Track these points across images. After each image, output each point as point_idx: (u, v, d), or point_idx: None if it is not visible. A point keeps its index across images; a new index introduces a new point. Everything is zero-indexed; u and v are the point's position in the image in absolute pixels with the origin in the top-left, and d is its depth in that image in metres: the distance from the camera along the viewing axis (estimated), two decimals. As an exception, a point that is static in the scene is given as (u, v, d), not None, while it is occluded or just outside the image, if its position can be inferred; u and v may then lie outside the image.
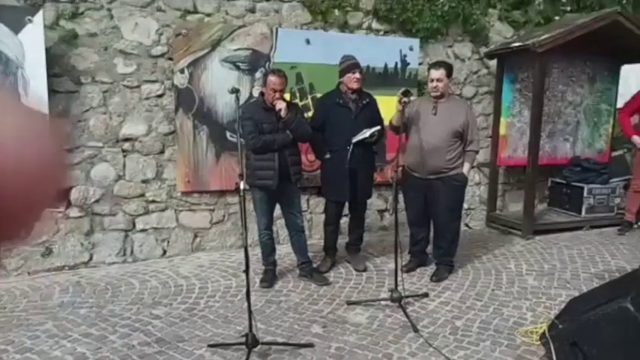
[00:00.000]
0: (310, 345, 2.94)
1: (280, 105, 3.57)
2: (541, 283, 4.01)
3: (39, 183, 0.41)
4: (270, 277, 3.92)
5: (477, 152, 4.09)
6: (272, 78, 3.60)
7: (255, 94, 4.55)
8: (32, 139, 0.40)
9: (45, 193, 0.42)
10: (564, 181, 5.85)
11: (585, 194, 5.64)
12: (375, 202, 5.30)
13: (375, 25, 5.11)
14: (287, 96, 4.32)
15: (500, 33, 5.71)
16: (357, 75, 3.89)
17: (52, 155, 0.42)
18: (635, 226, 5.58)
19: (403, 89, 3.72)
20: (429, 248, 4.33)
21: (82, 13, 4.07)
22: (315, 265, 4.15)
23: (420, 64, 5.23)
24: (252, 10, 4.61)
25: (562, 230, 5.48)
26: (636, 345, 2.40)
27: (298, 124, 3.68)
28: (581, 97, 5.90)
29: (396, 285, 3.43)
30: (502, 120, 5.61)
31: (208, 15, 4.46)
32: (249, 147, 3.68)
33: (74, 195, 4.19)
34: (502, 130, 5.62)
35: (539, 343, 2.92)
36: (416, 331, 3.11)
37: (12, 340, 2.99)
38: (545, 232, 5.40)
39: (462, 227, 5.51)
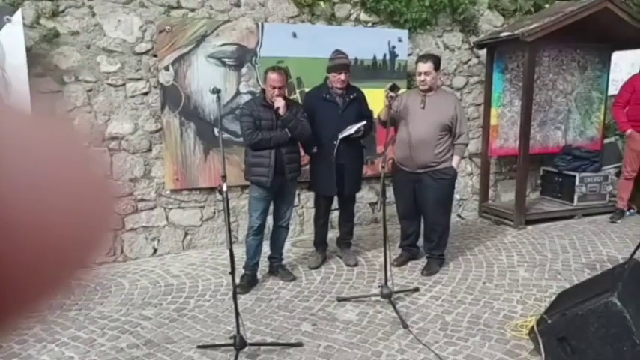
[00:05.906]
0: (299, 344, 2.93)
1: (279, 103, 3.53)
2: (532, 274, 4.01)
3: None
4: (246, 282, 3.75)
5: (466, 145, 4.06)
6: (271, 75, 3.59)
7: (242, 89, 4.51)
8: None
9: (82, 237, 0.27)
10: (556, 170, 5.83)
11: (577, 183, 5.62)
12: (366, 196, 5.28)
13: (363, 16, 5.05)
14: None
15: (490, 22, 5.65)
16: (342, 77, 3.85)
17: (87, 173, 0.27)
18: (627, 213, 5.58)
19: (391, 84, 3.68)
20: (420, 241, 4.32)
21: (63, 11, 4.00)
22: (306, 259, 4.13)
23: (409, 55, 5.17)
24: (237, 5, 4.54)
25: (554, 219, 5.47)
26: (623, 340, 2.40)
27: (297, 123, 3.63)
28: (572, 85, 5.86)
29: (386, 280, 3.42)
30: (493, 110, 5.57)
31: (192, 10, 4.39)
32: (245, 143, 3.69)
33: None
34: (493, 121, 5.58)
35: (528, 337, 2.92)
36: (405, 327, 3.10)
37: (-1, 346, 2.98)
38: (537, 221, 5.39)
39: (455, 218, 5.52)
